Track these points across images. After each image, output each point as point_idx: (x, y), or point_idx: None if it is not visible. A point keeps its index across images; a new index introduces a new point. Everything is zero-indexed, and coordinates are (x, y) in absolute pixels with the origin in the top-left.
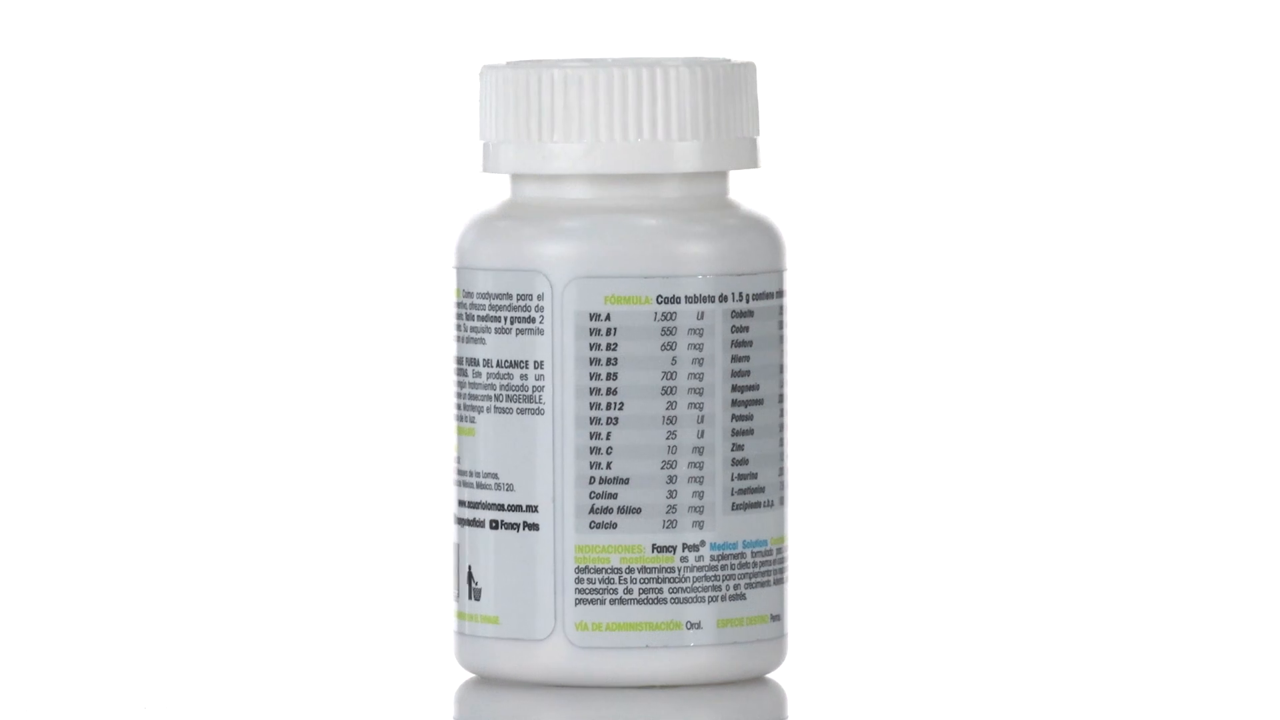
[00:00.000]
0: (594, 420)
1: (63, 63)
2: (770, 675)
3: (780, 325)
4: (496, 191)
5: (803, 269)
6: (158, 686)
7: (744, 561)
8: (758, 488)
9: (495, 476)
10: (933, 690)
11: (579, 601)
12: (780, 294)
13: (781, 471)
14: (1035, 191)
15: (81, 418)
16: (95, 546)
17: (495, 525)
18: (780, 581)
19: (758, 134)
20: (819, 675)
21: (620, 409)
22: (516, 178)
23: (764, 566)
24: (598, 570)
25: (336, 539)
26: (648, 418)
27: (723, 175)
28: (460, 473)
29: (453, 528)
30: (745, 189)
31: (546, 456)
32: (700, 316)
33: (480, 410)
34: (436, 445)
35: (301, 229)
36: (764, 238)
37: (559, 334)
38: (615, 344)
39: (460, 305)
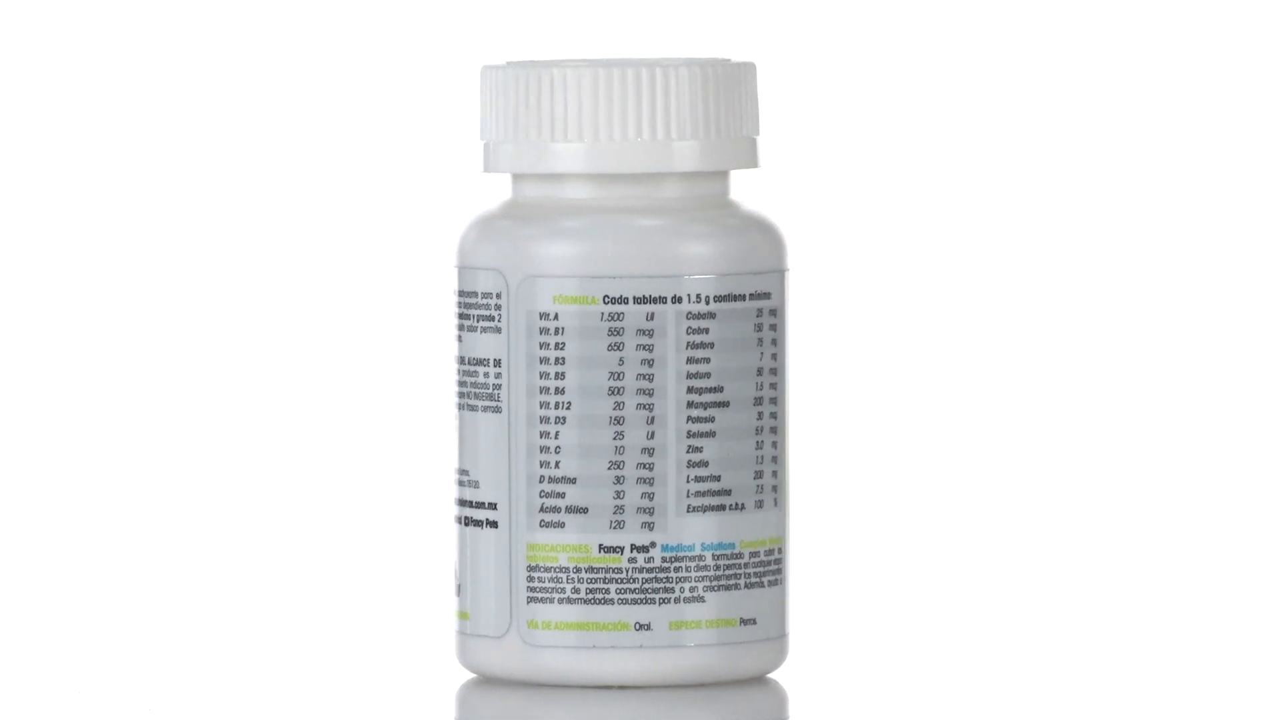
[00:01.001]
0: (543, 419)
1: (64, 65)
2: (771, 675)
3: (758, 328)
4: (497, 191)
5: (803, 269)
6: (159, 686)
7: (702, 564)
8: (721, 490)
9: (466, 473)
10: (932, 690)
11: (530, 600)
12: (759, 295)
13: (759, 475)
14: (1035, 191)
15: (84, 415)
16: (95, 546)
17: (466, 522)
18: (757, 585)
19: (758, 134)
20: (819, 675)
21: (568, 408)
22: (517, 178)
23: (730, 570)
24: (547, 569)
25: (341, 539)
26: (595, 418)
27: (723, 175)
28: (456, 470)
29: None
30: (745, 189)
31: (503, 455)
32: (650, 318)
33: (459, 408)
34: (441, 444)
35: (303, 229)
36: (745, 239)
37: (513, 333)
38: (563, 343)
39: (457, 304)
